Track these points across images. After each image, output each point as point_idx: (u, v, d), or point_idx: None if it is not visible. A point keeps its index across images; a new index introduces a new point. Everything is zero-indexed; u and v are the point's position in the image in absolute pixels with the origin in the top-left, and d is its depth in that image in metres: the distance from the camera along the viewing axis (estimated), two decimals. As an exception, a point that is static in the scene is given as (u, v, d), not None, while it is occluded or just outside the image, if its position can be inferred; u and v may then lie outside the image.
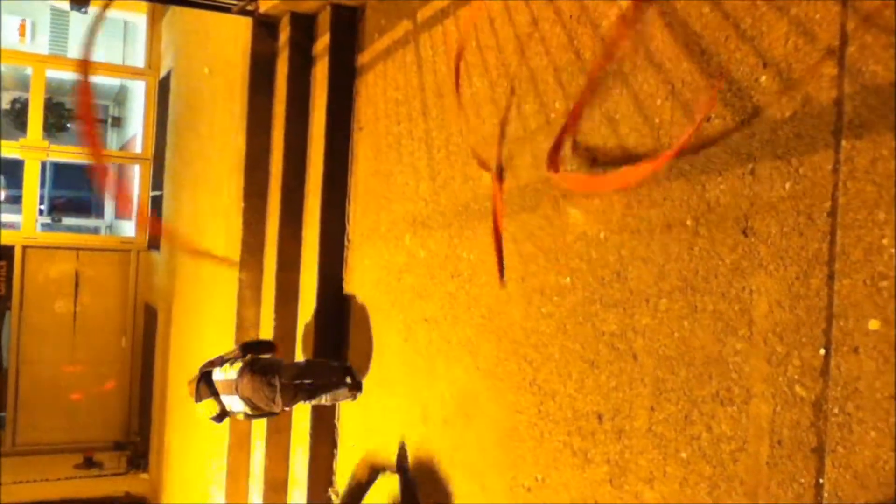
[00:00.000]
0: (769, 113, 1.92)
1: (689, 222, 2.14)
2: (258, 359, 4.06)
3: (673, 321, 2.15)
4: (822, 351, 1.76)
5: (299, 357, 4.58)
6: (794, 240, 1.85)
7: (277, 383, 3.92)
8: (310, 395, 4.04)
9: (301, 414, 4.46)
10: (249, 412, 4.10)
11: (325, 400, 4.11)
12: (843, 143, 1.73)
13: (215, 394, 4.10)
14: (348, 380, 4.11)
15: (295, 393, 3.99)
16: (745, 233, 1.97)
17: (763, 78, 1.94)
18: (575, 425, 2.50)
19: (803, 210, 1.83)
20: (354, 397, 4.13)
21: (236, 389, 3.99)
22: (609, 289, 2.39)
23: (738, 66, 2.01)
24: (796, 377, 1.81)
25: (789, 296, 1.84)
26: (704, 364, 2.05)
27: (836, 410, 1.71)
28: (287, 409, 4.13)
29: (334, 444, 4.34)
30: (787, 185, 1.87)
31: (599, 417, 2.40)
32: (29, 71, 10.60)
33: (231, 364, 4.02)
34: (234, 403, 4.07)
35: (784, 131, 1.88)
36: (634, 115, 2.34)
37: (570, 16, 2.64)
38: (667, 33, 2.25)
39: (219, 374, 4.06)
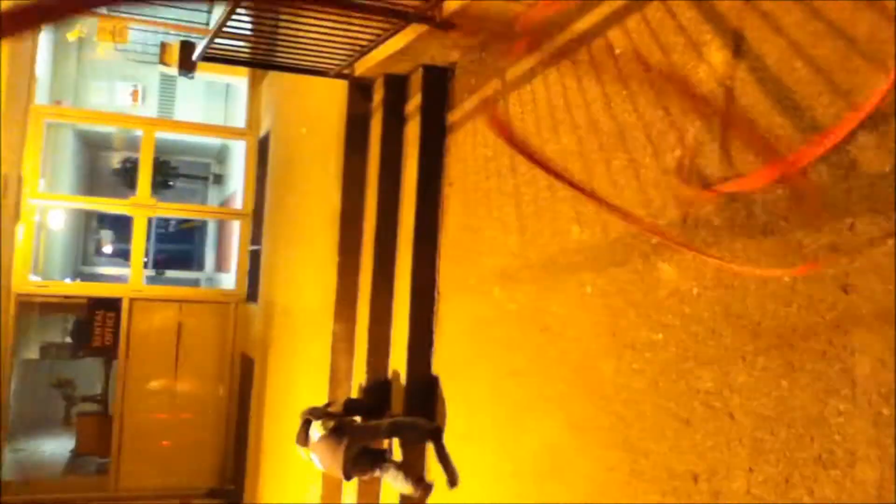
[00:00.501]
0: (866, 168, 1.89)
1: (786, 278, 2.10)
2: (341, 427, 4.17)
3: (771, 380, 2.10)
4: (932, 413, 1.69)
5: (394, 407, 4.64)
6: (897, 297, 1.79)
7: (342, 455, 4.06)
8: (380, 465, 4.20)
9: (390, 465, 4.49)
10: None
11: (390, 478, 4.22)
12: (947, 197, 1.69)
13: (306, 444, 4.30)
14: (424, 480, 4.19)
15: (363, 464, 4.17)
16: (845, 290, 1.93)
17: (859, 132, 1.92)
18: (670, 485, 2.45)
19: (906, 267, 1.78)
20: (422, 491, 4.19)
21: (315, 450, 4.22)
22: (703, 346, 2.36)
23: (833, 120, 1.99)
24: (905, 440, 1.74)
25: (894, 356, 1.78)
26: (805, 425, 1.99)
27: (949, 477, 1.63)
28: (351, 479, 4.28)
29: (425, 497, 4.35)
30: (889, 242, 1.82)
31: (695, 478, 2.34)
32: (139, 133, 11.32)
33: (324, 423, 4.17)
34: (315, 460, 4.29)
35: (883, 186, 1.85)
36: (727, 169, 2.33)
37: (659, 73, 2.67)
38: (759, 89, 2.25)
39: (313, 427, 4.23)
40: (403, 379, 4.49)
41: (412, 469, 4.22)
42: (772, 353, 2.11)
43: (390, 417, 4.45)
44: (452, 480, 4.02)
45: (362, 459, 4.19)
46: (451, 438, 4.15)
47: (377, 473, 4.29)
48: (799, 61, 2.10)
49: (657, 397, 2.53)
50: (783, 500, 2.03)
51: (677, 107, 2.58)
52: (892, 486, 1.75)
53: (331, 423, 4.18)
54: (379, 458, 4.27)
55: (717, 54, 2.40)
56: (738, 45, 2.32)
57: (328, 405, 4.48)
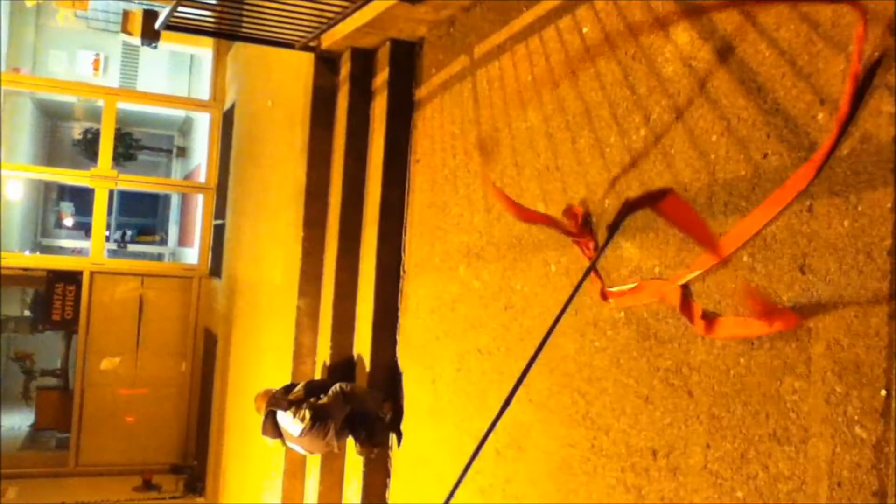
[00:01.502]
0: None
1: (745, 259, 2.13)
2: (316, 413, 4.15)
3: (729, 358, 2.14)
4: (883, 391, 1.73)
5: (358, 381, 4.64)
6: (852, 278, 1.83)
7: (332, 433, 4.16)
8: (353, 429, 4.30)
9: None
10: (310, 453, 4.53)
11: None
12: (903, 180, 1.72)
13: (280, 436, 4.28)
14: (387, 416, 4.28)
15: (346, 433, 4.29)
16: (802, 270, 1.96)
17: (820, 115, 1.94)
18: (628, 461, 2.49)
19: (862, 248, 1.81)
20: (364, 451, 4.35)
21: (299, 442, 4.25)
22: (664, 324, 2.38)
23: (795, 102, 2.01)
24: (856, 417, 1.78)
25: (848, 335, 1.82)
26: (761, 402, 2.03)
27: (897, 452, 1.68)
28: (340, 448, 4.35)
29: (387, 474, 4.37)
30: (846, 223, 1.85)
31: (654, 454, 2.38)
32: (100, 103, 11.07)
33: (295, 413, 4.15)
34: (298, 449, 4.35)
35: (842, 168, 1.87)
36: (689, 149, 2.35)
37: (626, 52, 2.67)
38: (723, 70, 2.26)
39: (284, 420, 4.21)
40: (368, 355, 4.49)
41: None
42: (730, 331, 2.14)
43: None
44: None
45: (343, 433, 4.23)
46: (414, 415, 4.17)
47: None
48: (763, 43, 2.12)
49: (618, 374, 2.56)
50: (739, 475, 2.07)
51: (643, 86, 2.58)
52: (844, 462, 1.80)
53: (305, 413, 4.14)
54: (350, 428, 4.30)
55: (683, 35, 2.41)
56: (703, 27, 2.33)
57: (288, 391, 4.38)
